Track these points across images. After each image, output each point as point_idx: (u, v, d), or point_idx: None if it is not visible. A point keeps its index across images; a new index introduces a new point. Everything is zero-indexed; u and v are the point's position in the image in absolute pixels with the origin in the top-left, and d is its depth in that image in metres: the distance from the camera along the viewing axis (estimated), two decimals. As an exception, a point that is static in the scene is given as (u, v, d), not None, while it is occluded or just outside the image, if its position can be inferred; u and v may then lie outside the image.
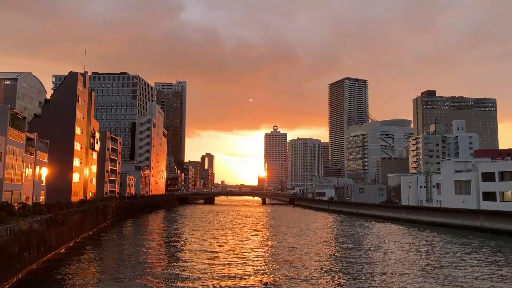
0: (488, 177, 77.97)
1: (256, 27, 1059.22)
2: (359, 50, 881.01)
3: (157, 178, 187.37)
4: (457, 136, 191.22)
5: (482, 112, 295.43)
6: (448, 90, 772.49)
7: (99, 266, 40.36)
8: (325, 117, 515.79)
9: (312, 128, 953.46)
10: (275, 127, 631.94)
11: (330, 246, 56.94)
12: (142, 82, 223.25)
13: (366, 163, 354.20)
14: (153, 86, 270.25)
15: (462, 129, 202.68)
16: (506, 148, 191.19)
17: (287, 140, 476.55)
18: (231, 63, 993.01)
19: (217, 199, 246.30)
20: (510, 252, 50.65)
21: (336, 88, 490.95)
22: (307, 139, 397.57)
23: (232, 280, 33.63)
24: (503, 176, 74.49)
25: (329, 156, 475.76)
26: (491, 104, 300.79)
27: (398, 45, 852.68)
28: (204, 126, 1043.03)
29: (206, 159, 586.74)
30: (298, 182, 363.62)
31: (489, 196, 77.25)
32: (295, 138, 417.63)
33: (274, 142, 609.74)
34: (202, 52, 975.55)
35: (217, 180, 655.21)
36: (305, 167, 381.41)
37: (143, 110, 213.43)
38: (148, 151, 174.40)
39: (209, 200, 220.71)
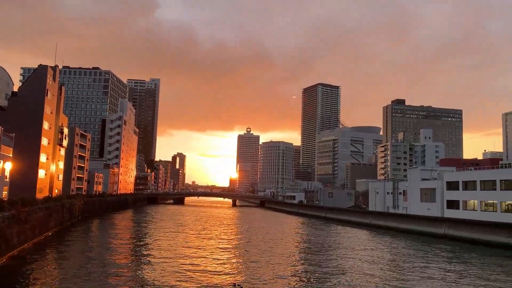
0: (452, 186, 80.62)
1: (233, 28, 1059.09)
2: (334, 56, 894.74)
3: (126, 177, 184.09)
4: (424, 145, 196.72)
5: (448, 122, 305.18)
6: (418, 100, 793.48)
7: (61, 266, 39.36)
8: (298, 121, 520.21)
9: (285, 131, 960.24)
10: (249, 129, 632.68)
11: (298, 249, 57.54)
12: (114, 78, 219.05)
13: (336, 168, 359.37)
14: (126, 82, 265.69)
15: (429, 138, 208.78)
16: (470, 158, 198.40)
17: (260, 143, 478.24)
18: (206, 63, 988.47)
19: (187, 199, 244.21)
20: (467, 258, 52.53)
21: (309, 93, 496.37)
22: (279, 142, 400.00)
23: (203, 283, 33.47)
24: (467, 185, 77.21)
25: (301, 160, 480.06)
26: (457, 115, 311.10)
27: (372, 53, 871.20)
28: (176, 125, 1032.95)
29: (178, 158, 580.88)
30: (269, 185, 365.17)
31: (453, 204, 79.85)
32: (268, 140, 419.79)
33: (247, 144, 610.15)
34: (177, 51, 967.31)
35: (188, 180, 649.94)
36: (276, 170, 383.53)
37: (114, 107, 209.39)
38: (117, 148, 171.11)
39: (179, 200, 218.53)
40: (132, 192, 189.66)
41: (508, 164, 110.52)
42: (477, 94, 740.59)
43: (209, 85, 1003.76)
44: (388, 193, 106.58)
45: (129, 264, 41.42)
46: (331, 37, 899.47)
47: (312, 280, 36.98)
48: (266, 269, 40.56)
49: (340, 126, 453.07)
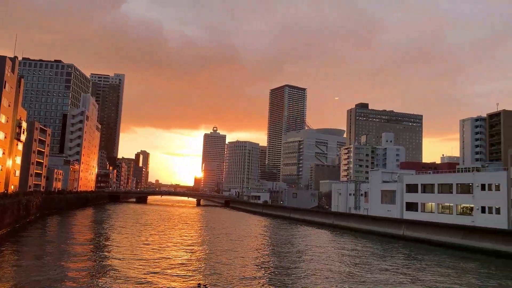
0: (412, 188, 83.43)
1: (201, 26, 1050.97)
2: (301, 59, 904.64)
3: (87, 174, 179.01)
4: (386, 148, 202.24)
5: (409, 126, 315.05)
6: (381, 104, 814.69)
7: (14, 266, 37.81)
8: (264, 122, 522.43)
9: (252, 131, 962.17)
10: (215, 128, 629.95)
11: (262, 249, 57.86)
12: (77, 72, 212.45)
13: (300, 169, 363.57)
14: (89, 77, 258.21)
15: (391, 141, 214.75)
16: (429, 162, 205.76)
17: (226, 142, 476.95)
18: (173, 61, 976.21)
19: (151, 198, 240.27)
20: (423, 259, 54.53)
21: (276, 94, 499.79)
22: (246, 142, 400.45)
23: (166, 284, 33.03)
24: (425, 188, 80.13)
25: (266, 160, 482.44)
26: (418, 120, 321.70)
27: (338, 57, 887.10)
28: (141, 123, 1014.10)
29: (141, 156, 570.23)
30: (235, 185, 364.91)
31: (411, 206, 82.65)
32: (235, 140, 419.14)
33: (213, 143, 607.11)
34: (144, 47, 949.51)
35: (152, 179, 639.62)
36: (242, 170, 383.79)
37: (76, 102, 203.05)
38: (79, 144, 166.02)
39: (141, 199, 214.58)
40: (93, 189, 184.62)
41: (464, 168, 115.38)
42: (436, 100, 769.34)
43: (175, 83, 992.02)
44: (350, 194, 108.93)
45: (87, 267, 40.16)
46: (298, 40, 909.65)
47: (274, 279, 37.36)
48: (230, 269, 40.62)
49: (306, 128, 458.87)
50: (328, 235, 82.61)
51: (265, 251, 56.19)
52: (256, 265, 44.07)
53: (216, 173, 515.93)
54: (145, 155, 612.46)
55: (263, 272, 40.75)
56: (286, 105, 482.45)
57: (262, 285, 34.62)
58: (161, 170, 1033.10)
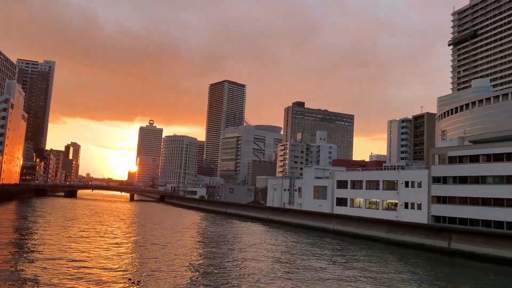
0: (342, 184, 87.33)
1: (140, 17, 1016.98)
2: (241, 56, 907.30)
3: (11, 166, 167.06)
4: (319, 146, 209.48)
5: (342, 126, 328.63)
6: (316, 103, 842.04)
7: None
8: (203, 116, 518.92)
9: (190, 126, 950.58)
10: (151, 122, 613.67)
11: (196, 244, 57.86)
12: (2, 57, 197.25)
13: (238, 164, 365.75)
14: (15, 62, 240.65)
15: (324, 139, 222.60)
16: (359, 159, 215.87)
17: (163, 136, 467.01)
18: (109, 50, 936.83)
19: (81, 192, 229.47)
20: (350, 251, 57.58)
21: (216, 89, 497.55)
22: (183, 136, 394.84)
23: (97, 281, 32.02)
24: (354, 184, 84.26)
25: (204, 155, 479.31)
26: (349, 119, 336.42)
27: (277, 56, 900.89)
28: (72, 113, 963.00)
29: (71, 148, 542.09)
30: (171, 180, 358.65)
31: (341, 201, 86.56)
32: (172, 134, 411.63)
33: (148, 137, 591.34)
34: (78, 34, 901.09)
35: (82, 172, 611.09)
36: (179, 164, 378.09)
37: (0, 88, 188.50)
38: (2, 134, 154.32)
39: (71, 193, 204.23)
40: (18, 182, 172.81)
41: (390, 166, 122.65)
42: (367, 102, 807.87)
43: (110, 73, 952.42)
44: (285, 189, 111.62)
45: (11, 265, 37.85)
46: (239, 37, 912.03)
47: (207, 272, 37.60)
48: (163, 263, 40.23)
49: (245, 124, 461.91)
50: (262, 229, 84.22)
51: (198, 246, 56.24)
52: (188, 259, 44.04)
53: (151, 168, 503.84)
54: (76, 147, 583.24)
55: (195, 266, 40.86)
56: (225, 100, 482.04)
57: (194, 279, 34.78)
58: (93, 164, 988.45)
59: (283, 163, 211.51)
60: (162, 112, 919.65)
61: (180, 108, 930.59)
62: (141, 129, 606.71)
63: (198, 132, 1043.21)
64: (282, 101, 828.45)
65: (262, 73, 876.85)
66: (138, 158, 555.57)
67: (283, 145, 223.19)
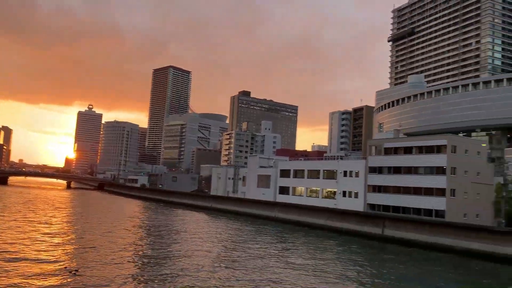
0: (285, 173, 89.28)
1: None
2: (187, 42, 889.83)
3: None
4: (264, 135, 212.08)
5: (286, 116, 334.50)
6: (262, 93, 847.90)
7: None
8: (146, 102, 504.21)
9: (132, 111, 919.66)
10: (90, 106, 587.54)
11: (136, 233, 56.74)
12: None
13: (182, 153, 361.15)
14: None
15: (269, 129, 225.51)
16: (301, 149, 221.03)
17: (103, 122, 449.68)
18: (45, 28, 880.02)
19: (13, 179, 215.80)
20: (288, 237, 59.26)
21: (160, 75, 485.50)
22: (125, 122, 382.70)
23: (33, 272, 30.47)
24: (296, 173, 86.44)
25: (146, 143, 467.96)
26: (294, 110, 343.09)
27: (224, 45, 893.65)
28: (3, 95, 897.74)
29: (2, 133, 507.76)
30: (111, 167, 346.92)
31: (284, 190, 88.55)
32: (112, 120, 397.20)
33: (87, 122, 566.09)
34: (12, 12, 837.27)
35: (15, 158, 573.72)
36: (119, 151, 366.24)
37: None
38: None
39: (1, 180, 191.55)
40: None
41: (331, 156, 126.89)
42: (311, 93, 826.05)
43: (45, 53, 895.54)
44: (229, 178, 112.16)
45: None
46: (184, 22, 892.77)
47: (147, 262, 37.09)
48: (102, 253, 39.11)
49: (190, 112, 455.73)
50: (206, 218, 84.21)
51: (138, 235, 55.21)
52: (127, 249, 43.12)
53: (90, 154, 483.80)
54: (7, 131, 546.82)
55: (135, 256, 40.13)
56: (170, 87, 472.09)
57: (134, 269, 34.20)
58: (27, 149, 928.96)
59: (228, 152, 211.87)
60: (102, 97, 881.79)
61: (121, 93, 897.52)
62: (80, 114, 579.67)
63: (140, 119, 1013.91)
64: (228, 90, 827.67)
65: (208, 61, 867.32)
66: (76, 144, 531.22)
67: (228, 134, 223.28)
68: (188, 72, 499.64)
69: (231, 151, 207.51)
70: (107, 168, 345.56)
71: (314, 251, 49.24)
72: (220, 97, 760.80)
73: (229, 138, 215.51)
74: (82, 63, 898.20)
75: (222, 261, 39.14)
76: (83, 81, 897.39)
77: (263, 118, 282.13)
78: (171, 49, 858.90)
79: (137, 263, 36.35)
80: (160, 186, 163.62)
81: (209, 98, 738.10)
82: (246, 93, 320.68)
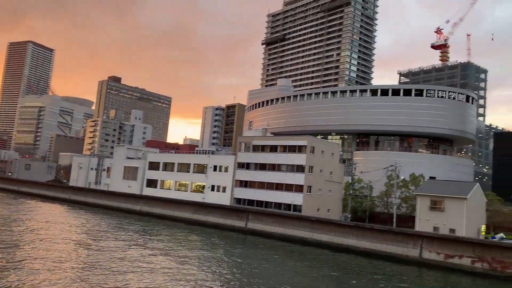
0: (154, 166, 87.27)
1: None
2: (51, 17, 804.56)
3: None
4: (134, 125, 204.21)
5: (159, 107, 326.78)
6: (133, 81, 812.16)
7: None
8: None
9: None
10: None
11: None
12: None
13: (38, 138, 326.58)
14: None
15: (140, 119, 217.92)
16: (173, 142, 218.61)
17: None
18: None
19: None
20: (152, 231, 58.42)
21: (17, 49, 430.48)
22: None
23: None
24: (166, 166, 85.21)
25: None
26: (167, 101, 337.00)
27: (94, 25, 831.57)
28: None
29: None
30: None
31: (152, 183, 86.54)
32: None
33: None
34: None
35: None
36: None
37: None
38: None
39: None
40: None
41: (202, 151, 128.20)
42: (186, 85, 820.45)
43: None
44: (92, 168, 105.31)
45: None
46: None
47: (-9, 260, 32.90)
48: None
49: (50, 93, 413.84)
50: (62, 210, 77.79)
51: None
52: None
53: None
54: None
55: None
56: (28, 64, 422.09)
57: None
58: None
59: (93, 141, 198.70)
60: None
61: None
62: None
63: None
64: (97, 74, 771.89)
65: (75, 40, 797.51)
66: None
67: (93, 121, 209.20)
68: (51, 50, 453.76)
69: (96, 139, 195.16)
70: None
71: (178, 243, 49.25)
72: (87, 80, 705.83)
73: (94, 126, 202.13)
74: None
75: (75, 256, 36.67)
76: None
77: (134, 107, 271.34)
78: (31, 22, 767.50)
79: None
80: (9, 174, 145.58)
81: (74, 81, 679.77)
82: (116, 79, 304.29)
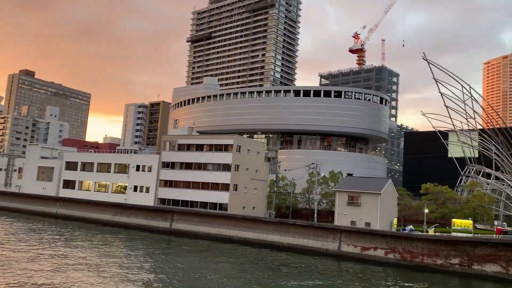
0: (71, 166, 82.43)
1: None
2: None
3: None
4: (49, 122, 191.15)
5: (76, 103, 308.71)
6: (48, 75, 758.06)
7: None
8: None
9: None
10: None
11: None
12: None
13: None
14: None
15: (56, 116, 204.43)
16: (92, 141, 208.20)
17: None
18: None
19: None
20: (68, 235, 55.47)
21: None
22: None
23: None
24: (85, 166, 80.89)
25: None
26: (86, 98, 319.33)
27: (3, 13, 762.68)
28: None
29: None
30: None
31: (69, 184, 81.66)
32: None
33: None
34: None
35: None
36: None
37: None
38: None
39: None
40: None
41: (124, 150, 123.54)
42: (106, 81, 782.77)
43: None
44: (1, 169, 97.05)
45: None
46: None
47: None
48: None
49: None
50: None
51: None
52: None
53: None
54: None
55: None
56: None
57: None
58: None
59: (2, 139, 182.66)
60: None
61: None
62: None
63: None
64: (6, 66, 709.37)
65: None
66: None
67: (3, 118, 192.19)
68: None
69: (6, 137, 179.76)
70: None
71: (96, 247, 47.21)
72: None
73: (3, 123, 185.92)
74: None
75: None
76: None
77: (49, 103, 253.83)
78: None
79: None
80: None
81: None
82: (29, 73, 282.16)
